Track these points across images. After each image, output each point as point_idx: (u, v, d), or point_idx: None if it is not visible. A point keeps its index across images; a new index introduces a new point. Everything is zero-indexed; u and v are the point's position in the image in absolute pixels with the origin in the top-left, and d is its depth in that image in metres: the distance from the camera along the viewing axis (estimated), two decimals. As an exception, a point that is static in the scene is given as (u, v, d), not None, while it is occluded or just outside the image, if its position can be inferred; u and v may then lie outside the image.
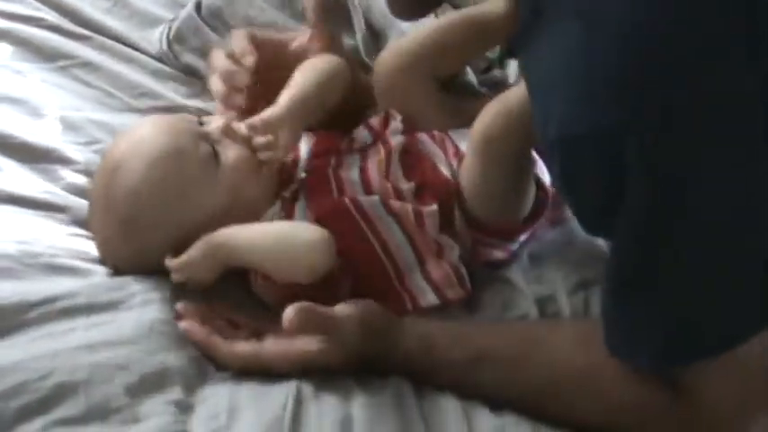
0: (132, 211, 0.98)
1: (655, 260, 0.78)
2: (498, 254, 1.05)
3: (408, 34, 1.14)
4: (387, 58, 1.10)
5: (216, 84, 1.13)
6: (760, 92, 0.72)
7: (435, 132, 1.08)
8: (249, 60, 1.07)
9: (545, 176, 1.03)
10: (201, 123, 1.03)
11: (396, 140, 1.06)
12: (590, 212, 0.81)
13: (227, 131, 1.01)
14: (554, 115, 0.75)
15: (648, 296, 0.80)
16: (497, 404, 0.90)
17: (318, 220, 0.99)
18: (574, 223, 1.07)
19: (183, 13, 1.29)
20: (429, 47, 1.09)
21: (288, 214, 1.01)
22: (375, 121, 1.10)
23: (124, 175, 0.98)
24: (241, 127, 1.02)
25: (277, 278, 0.96)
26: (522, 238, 1.06)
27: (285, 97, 1.05)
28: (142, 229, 0.98)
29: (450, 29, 1.09)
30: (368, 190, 1.02)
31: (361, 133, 1.09)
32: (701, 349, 0.81)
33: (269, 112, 1.03)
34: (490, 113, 0.97)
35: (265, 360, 0.90)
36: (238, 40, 1.11)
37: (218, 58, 1.12)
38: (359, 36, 1.28)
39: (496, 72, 1.28)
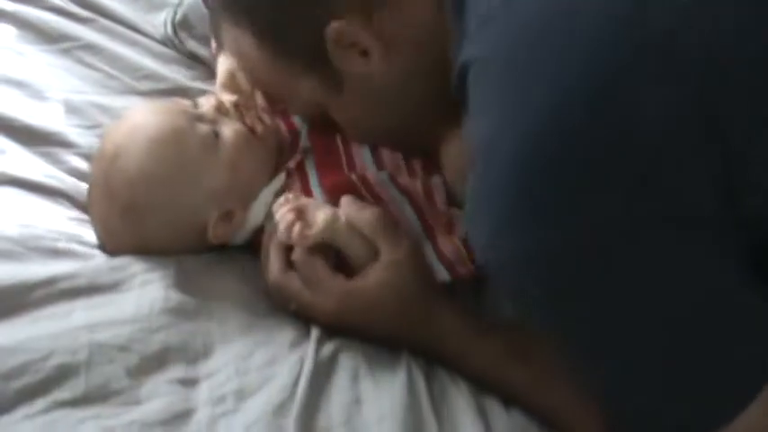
0: (134, 195, 0.97)
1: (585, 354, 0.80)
2: None
3: None
4: None
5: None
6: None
7: None
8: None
9: None
10: (195, 106, 1.03)
11: None
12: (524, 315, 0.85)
13: (221, 108, 1.02)
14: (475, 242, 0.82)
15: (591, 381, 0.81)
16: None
17: (328, 195, 0.99)
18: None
19: None
20: None
21: (303, 186, 1.00)
22: None
23: (124, 160, 0.97)
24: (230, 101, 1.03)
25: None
26: None
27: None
28: (144, 212, 0.97)
29: None
30: (379, 164, 1.01)
31: None
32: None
33: (219, 74, 1.08)
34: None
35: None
36: None
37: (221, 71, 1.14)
38: None
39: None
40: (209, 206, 0.98)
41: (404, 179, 1.00)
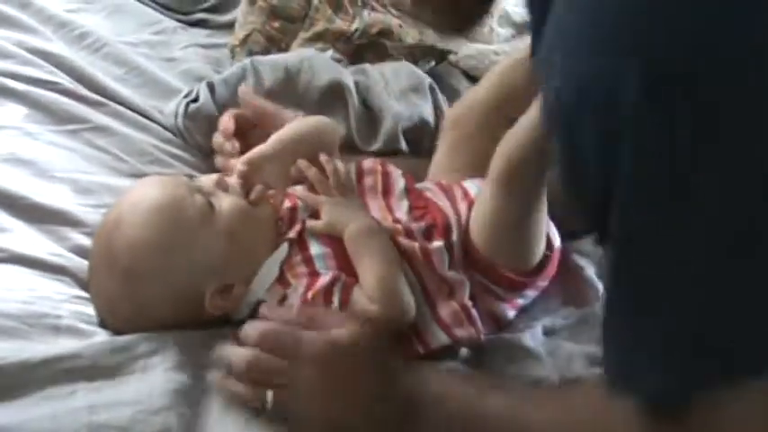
0: (134, 261, 0.98)
1: (649, 262, 0.66)
2: (505, 307, 1.05)
3: (474, 88, 1.18)
4: (460, 112, 1.14)
5: (218, 160, 1.19)
6: None
7: (443, 182, 1.11)
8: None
9: (554, 237, 1.04)
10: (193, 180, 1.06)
11: (397, 189, 1.09)
12: (589, 202, 0.69)
13: (220, 182, 1.04)
14: (555, 75, 0.67)
15: (646, 312, 0.68)
16: None
17: (330, 261, 1.00)
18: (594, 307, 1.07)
19: (201, 95, 1.29)
20: (500, 92, 1.12)
21: (304, 257, 1.01)
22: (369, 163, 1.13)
23: (125, 227, 0.99)
24: (232, 181, 1.05)
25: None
26: (531, 294, 1.05)
27: (272, 138, 1.10)
28: (143, 279, 0.98)
29: (512, 69, 1.12)
30: None
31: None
32: (706, 379, 0.68)
33: (253, 151, 1.08)
34: (513, 138, 0.97)
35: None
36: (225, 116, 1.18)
37: (216, 138, 1.19)
38: (353, 120, 1.30)
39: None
40: (206, 278, 0.99)
41: (403, 241, 1.01)
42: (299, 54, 1.35)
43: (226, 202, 1.02)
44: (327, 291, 0.97)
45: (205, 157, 1.27)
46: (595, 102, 0.63)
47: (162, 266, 0.98)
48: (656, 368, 0.69)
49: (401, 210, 1.07)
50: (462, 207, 1.06)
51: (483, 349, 1.01)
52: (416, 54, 1.38)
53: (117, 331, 0.98)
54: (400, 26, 1.41)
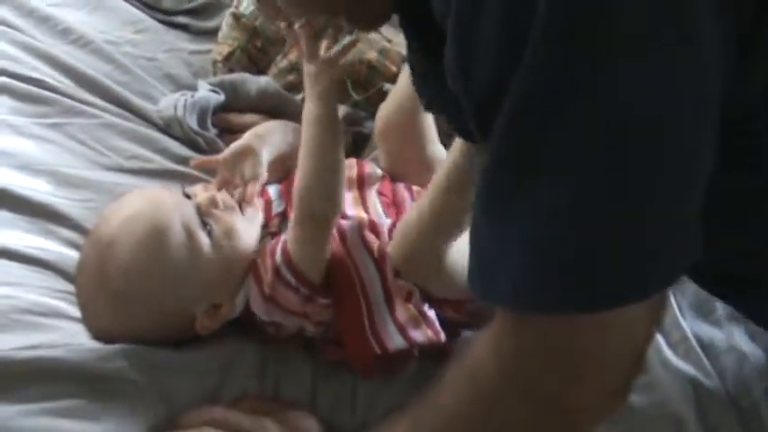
0: (126, 284, 0.97)
1: (535, 152, 0.61)
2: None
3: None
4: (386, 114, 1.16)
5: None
6: None
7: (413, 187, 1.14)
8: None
9: None
10: (188, 196, 1.04)
11: (372, 182, 1.13)
12: (482, 90, 0.64)
13: (215, 203, 1.02)
14: None
15: (520, 209, 0.62)
16: None
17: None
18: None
19: (201, 90, 1.31)
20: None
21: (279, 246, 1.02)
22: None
23: (118, 250, 0.97)
24: (225, 198, 1.04)
25: None
26: None
27: (246, 135, 1.14)
28: (133, 302, 0.97)
29: None
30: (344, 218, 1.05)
31: None
32: (577, 296, 0.62)
33: (228, 148, 1.11)
34: None
35: None
36: None
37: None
38: None
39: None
40: (198, 301, 0.99)
41: (369, 235, 1.03)
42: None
43: (220, 228, 1.01)
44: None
45: (187, 150, 1.27)
46: None
47: (154, 293, 0.97)
48: (513, 278, 0.65)
49: (374, 201, 1.10)
50: None
51: (446, 353, 1.00)
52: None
53: (98, 339, 0.97)
54: (371, 64, 1.34)
